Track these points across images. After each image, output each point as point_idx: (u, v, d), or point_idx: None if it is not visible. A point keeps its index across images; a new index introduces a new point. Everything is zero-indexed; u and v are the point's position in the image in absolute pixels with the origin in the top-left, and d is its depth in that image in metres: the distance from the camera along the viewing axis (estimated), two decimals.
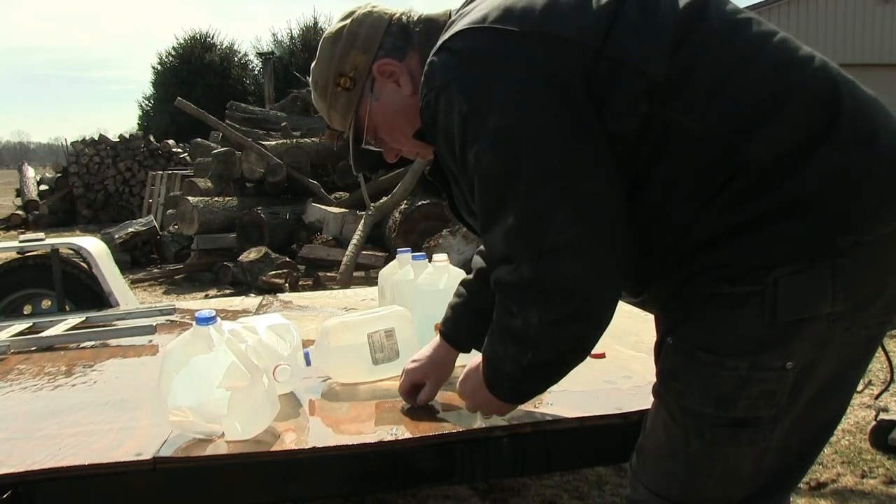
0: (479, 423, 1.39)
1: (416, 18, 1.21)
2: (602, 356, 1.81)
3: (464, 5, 1.13)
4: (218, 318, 1.35)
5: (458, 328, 1.40)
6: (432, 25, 1.17)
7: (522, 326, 1.02)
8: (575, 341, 1.04)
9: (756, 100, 0.95)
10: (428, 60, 1.05)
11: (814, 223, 0.92)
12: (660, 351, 1.09)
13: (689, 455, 1.02)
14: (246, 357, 1.35)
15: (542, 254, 0.96)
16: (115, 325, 2.55)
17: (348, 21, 1.22)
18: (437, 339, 1.45)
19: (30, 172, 14.79)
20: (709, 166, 0.96)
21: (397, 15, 1.22)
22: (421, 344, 1.73)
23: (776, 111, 0.94)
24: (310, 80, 1.27)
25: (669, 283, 1.04)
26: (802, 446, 1.03)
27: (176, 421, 1.34)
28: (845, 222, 0.93)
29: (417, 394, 1.46)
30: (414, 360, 1.46)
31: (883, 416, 2.66)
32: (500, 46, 0.98)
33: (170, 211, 8.93)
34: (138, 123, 25.66)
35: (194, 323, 1.32)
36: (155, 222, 8.58)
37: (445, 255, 1.86)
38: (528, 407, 1.47)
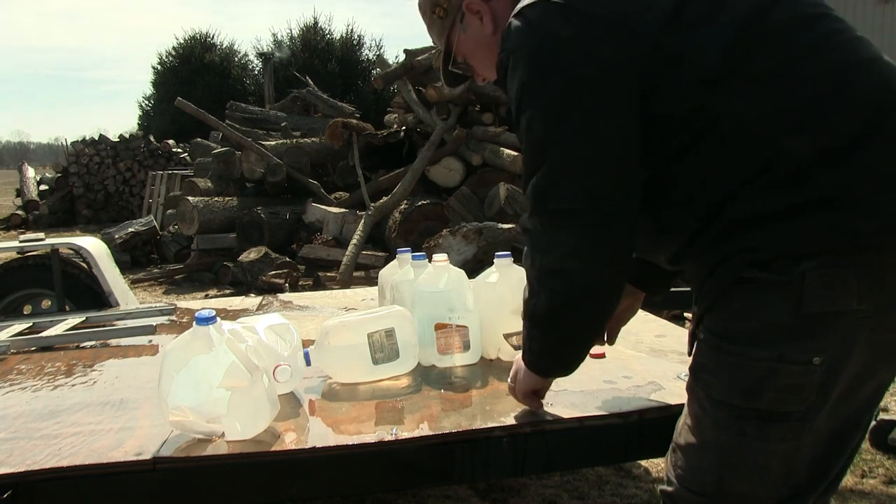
0: (478, 423, 1.40)
1: None
2: (602, 356, 1.81)
3: None
4: (218, 318, 1.35)
5: None
6: None
7: (530, 268, 1.16)
8: (562, 296, 1.14)
9: (805, 95, 0.98)
10: (509, 20, 1.14)
11: (844, 219, 0.94)
12: (692, 342, 1.11)
13: (720, 448, 1.03)
14: (246, 357, 1.35)
15: (550, 212, 1.10)
16: (115, 325, 2.55)
17: None
18: None
19: (30, 172, 14.78)
20: (749, 152, 0.99)
21: None
22: (421, 344, 1.73)
23: (823, 109, 0.97)
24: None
25: (704, 264, 1.07)
26: (830, 450, 1.04)
27: (176, 421, 1.34)
28: (875, 222, 0.94)
29: None
30: None
31: (883, 416, 2.66)
32: (567, 26, 1.06)
33: (170, 211, 8.93)
34: (138, 123, 25.58)
35: (194, 323, 1.33)
36: (155, 222, 8.58)
37: (445, 255, 1.85)
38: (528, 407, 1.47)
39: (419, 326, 1.73)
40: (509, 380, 1.40)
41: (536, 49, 1.08)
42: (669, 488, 1.10)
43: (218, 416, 1.32)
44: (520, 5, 1.12)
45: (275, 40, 24.95)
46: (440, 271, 1.80)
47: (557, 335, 1.20)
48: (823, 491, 1.09)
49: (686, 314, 3.64)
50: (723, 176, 1.01)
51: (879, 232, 0.94)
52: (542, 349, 1.24)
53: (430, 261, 1.88)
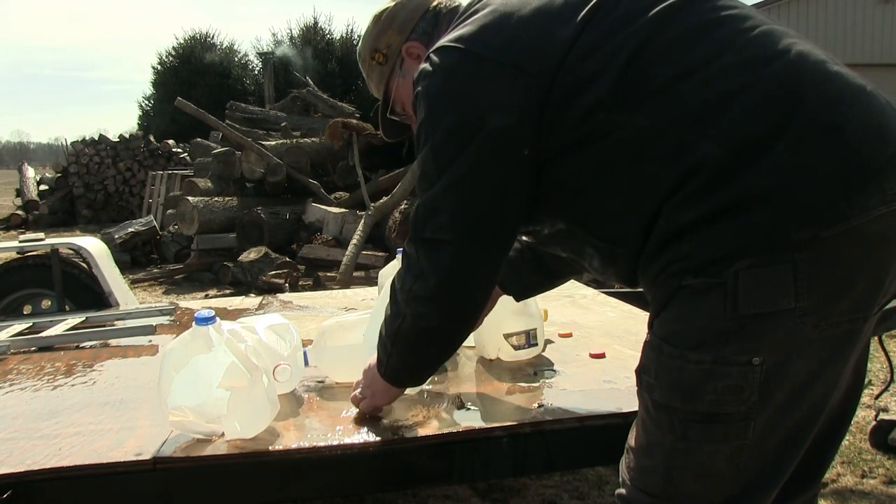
0: (478, 423, 1.39)
1: (451, 6, 1.33)
2: (602, 356, 1.81)
3: (474, 2, 1.24)
4: (218, 318, 1.35)
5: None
6: (453, 16, 1.28)
7: (400, 290, 1.22)
8: (427, 320, 1.21)
9: (711, 97, 0.98)
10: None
11: (769, 216, 0.93)
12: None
13: (664, 450, 1.03)
14: (246, 357, 1.35)
15: (425, 240, 1.17)
16: (115, 325, 2.55)
17: (394, 2, 1.36)
18: None
19: (30, 172, 14.78)
20: (666, 162, 0.99)
21: (435, 3, 1.35)
22: None
23: (731, 108, 0.97)
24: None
25: (648, 276, 1.07)
26: (782, 448, 1.02)
27: (176, 421, 1.34)
28: (800, 216, 0.93)
29: None
30: None
31: (883, 416, 2.67)
32: (464, 70, 1.12)
33: (170, 211, 8.92)
34: (138, 123, 25.56)
35: (194, 323, 1.32)
36: (155, 222, 8.58)
37: None
38: (528, 407, 1.47)
39: None
40: (357, 391, 1.43)
41: (432, 91, 1.13)
42: (623, 490, 1.10)
43: (218, 416, 1.32)
44: (432, 49, 1.18)
45: (275, 40, 24.96)
46: None
47: (417, 354, 1.29)
48: (787, 493, 1.08)
49: None
50: (649, 190, 1.01)
51: (808, 226, 0.92)
52: (400, 364, 1.31)
53: None
